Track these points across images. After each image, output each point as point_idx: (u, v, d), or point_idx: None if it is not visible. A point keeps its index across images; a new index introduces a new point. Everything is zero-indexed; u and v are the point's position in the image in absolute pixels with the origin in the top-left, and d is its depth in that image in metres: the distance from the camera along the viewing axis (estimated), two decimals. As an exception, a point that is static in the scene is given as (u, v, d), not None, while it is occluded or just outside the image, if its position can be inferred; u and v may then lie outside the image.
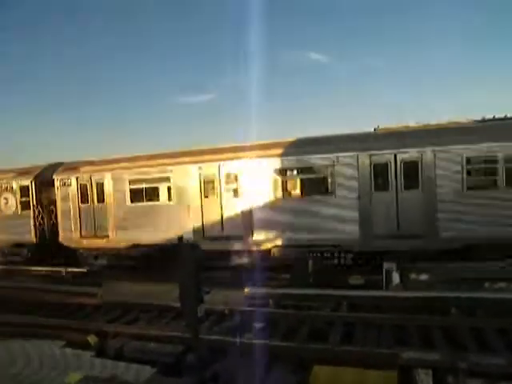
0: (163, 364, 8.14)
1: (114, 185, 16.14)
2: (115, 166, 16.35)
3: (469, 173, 12.27)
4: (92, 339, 9.33)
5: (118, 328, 10.11)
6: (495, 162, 12.08)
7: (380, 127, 14.89)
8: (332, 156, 13.17)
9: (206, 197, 14.78)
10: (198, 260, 7.25)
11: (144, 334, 9.59)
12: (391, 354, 8.02)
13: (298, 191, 13.91)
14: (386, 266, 12.13)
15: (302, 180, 13.76)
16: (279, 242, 13.73)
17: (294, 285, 12.64)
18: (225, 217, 14.40)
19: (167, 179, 15.30)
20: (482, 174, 12.33)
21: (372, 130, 14.73)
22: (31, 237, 18.04)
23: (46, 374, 7.64)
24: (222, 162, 14.48)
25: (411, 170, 12.53)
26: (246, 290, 11.99)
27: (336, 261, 13.27)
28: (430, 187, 12.33)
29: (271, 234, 13.79)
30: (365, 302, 10.93)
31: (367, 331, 9.51)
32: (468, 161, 12.27)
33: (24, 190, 18.19)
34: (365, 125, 24.94)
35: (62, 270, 16.65)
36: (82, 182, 16.72)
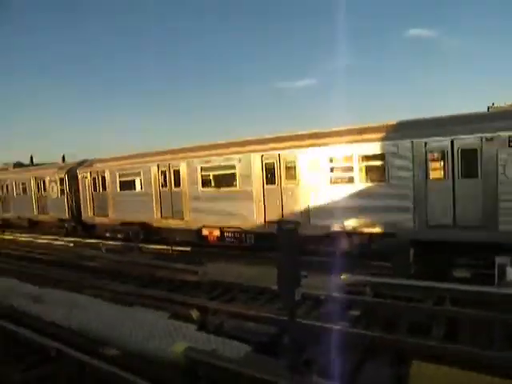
0: (259, 343, 8.30)
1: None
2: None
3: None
4: (195, 314, 9.72)
5: (219, 305, 10.48)
6: None
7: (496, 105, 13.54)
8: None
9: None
10: (297, 243, 7.27)
11: (242, 313, 9.86)
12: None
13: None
14: (498, 260, 11.35)
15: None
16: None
17: (394, 274, 12.21)
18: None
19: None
20: None
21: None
22: (66, 214, 23.90)
23: (154, 341, 8.14)
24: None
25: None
26: (343, 276, 11.81)
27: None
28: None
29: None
30: (471, 297, 10.25)
31: (474, 329, 8.88)
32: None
33: (61, 181, 23.94)
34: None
35: (169, 248, 17.71)
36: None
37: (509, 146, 11.50)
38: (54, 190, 24.46)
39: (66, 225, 24.19)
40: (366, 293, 11.01)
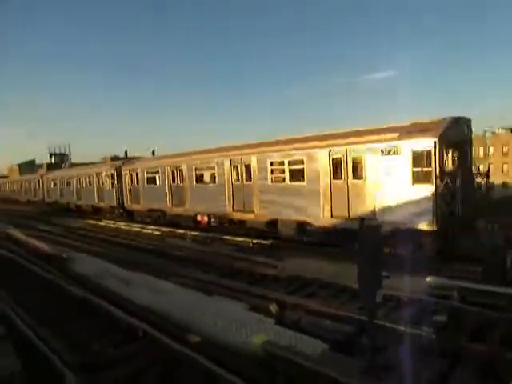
0: (336, 342, 8.17)
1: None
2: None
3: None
4: (273, 308, 9.73)
5: (298, 300, 10.41)
6: None
7: None
8: None
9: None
10: (379, 242, 7.04)
11: (320, 310, 9.74)
12: None
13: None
14: None
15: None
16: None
17: (485, 279, 11.43)
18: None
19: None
20: None
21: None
22: (113, 202, 29.33)
23: (233, 331, 8.32)
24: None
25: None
26: (429, 278, 11.30)
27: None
28: None
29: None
30: None
31: None
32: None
33: (112, 176, 29.43)
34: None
35: (249, 240, 17.89)
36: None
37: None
38: (107, 183, 29.85)
39: (115, 211, 29.42)
40: (453, 297, 10.42)
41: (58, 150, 75.90)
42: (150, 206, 25.60)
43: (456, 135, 14.18)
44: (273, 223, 17.79)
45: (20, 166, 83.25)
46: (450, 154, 13.59)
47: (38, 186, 46.34)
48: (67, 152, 76.09)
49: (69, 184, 38.37)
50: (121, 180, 28.42)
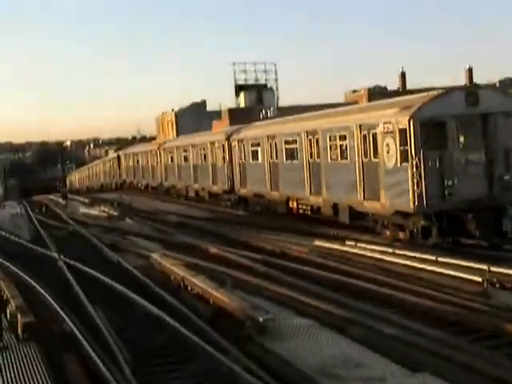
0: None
1: None
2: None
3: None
4: None
5: None
6: None
7: None
8: None
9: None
10: None
11: None
12: None
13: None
14: None
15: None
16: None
17: None
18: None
19: None
20: None
21: None
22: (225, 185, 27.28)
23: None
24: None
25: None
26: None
27: None
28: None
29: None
30: None
31: None
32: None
33: (223, 148, 27.15)
34: None
35: None
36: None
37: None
38: (219, 158, 26.47)
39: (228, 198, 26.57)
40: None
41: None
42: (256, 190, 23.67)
43: (447, 111, 14.84)
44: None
45: (179, 113, 69.63)
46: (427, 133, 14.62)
47: (155, 162, 39.15)
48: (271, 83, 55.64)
49: (186, 159, 33.16)
50: (231, 154, 24.93)
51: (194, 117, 64.80)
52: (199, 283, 11.73)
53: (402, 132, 14.85)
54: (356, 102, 50.38)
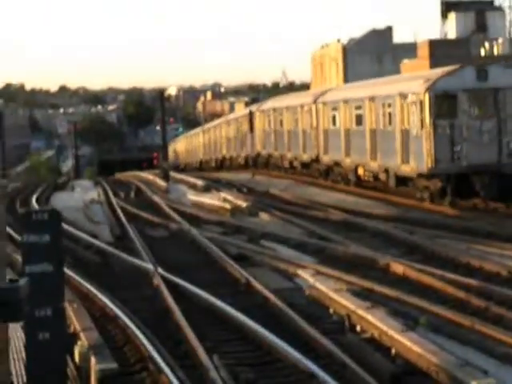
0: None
1: None
2: None
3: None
4: None
5: None
6: None
7: None
8: None
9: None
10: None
11: None
12: None
13: None
14: None
15: None
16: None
17: None
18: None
19: None
20: None
21: None
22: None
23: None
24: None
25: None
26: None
27: None
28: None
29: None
30: None
31: None
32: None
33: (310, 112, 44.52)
34: None
35: None
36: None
37: None
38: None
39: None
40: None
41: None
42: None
43: (460, 84, 29.29)
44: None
45: (348, 45, 73.97)
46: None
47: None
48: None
49: (281, 124, 46.93)
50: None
51: (372, 53, 65.90)
52: (375, 322, 12.10)
53: (421, 103, 28.68)
54: None
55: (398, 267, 17.98)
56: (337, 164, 40.45)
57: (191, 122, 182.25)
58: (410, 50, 59.82)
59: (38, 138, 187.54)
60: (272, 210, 30.48)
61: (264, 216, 29.12)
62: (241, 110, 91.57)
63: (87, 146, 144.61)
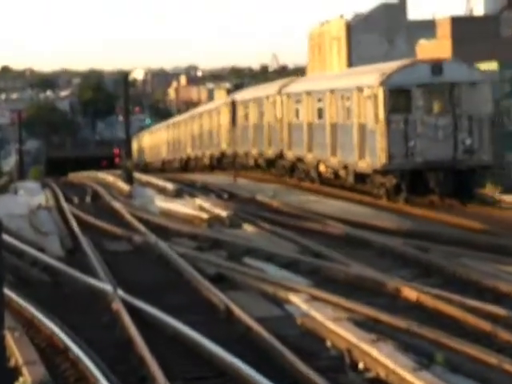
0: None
1: None
2: None
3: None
4: None
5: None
6: None
7: None
8: None
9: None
10: None
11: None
12: None
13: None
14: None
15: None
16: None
17: None
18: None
19: None
20: None
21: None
22: None
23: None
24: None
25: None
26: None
27: None
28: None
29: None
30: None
31: None
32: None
33: None
34: None
35: None
36: None
37: None
38: None
39: None
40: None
41: None
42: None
43: (415, 79, 35.05)
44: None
45: (353, 22, 75.99)
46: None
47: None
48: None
49: (247, 118, 55.73)
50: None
51: (381, 31, 66.84)
52: (382, 358, 12.22)
53: (375, 97, 33.45)
54: None
55: (410, 292, 18.12)
56: (300, 160, 46.69)
57: (161, 112, 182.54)
58: (427, 28, 60.30)
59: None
60: (258, 220, 30.64)
61: (248, 228, 29.25)
62: (222, 97, 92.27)
63: (34, 140, 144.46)
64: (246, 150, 56.26)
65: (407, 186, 34.35)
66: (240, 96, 62.32)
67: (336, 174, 41.03)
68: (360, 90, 36.63)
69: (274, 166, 51.86)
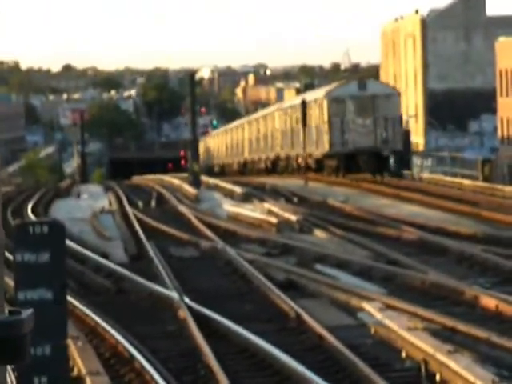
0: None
1: None
2: None
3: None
4: None
5: None
6: None
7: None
8: None
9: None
10: None
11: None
12: None
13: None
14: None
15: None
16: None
17: None
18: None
19: None
20: None
21: None
22: None
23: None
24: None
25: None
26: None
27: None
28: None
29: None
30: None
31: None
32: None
33: None
34: None
35: None
36: None
37: None
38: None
39: None
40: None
41: None
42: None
43: (347, 93, 59.82)
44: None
45: (429, 18, 76.89)
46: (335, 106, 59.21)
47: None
48: None
49: (297, 121, 66.93)
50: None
51: (458, 27, 66.62)
52: (460, 370, 12.10)
53: (321, 106, 60.17)
54: None
55: (489, 301, 17.96)
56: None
57: (228, 113, 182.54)
58: (507, 24, 59.69)
59: (36, 130, 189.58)
60: (329, 225, 30.57)
61: (319, 233, 29.22)
62: (291, 97, 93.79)
63: (96, 142, 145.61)
64: (297, 152, 66.95)
65: (344, 166, 55.59)
66: (289, 103, 75.25)
67: (306, 163, 59.34)
68: (315, 101, 59.12)
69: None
